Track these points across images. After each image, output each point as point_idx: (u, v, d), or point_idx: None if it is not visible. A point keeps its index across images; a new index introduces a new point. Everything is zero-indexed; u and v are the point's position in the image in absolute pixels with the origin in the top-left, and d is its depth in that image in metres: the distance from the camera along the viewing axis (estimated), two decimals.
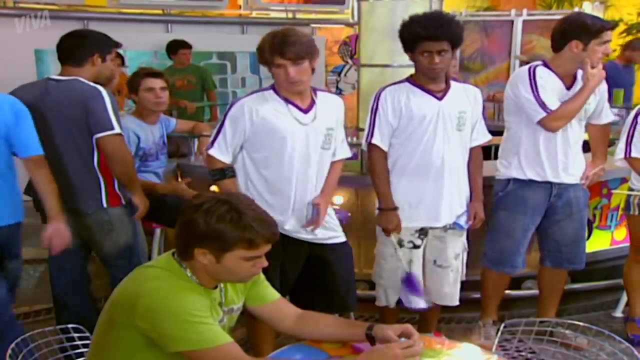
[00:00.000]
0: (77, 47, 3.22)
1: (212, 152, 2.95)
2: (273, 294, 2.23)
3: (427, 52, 3.08)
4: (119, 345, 1.89)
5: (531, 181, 3.54)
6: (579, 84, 3.44)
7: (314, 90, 3.03)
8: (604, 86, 3.52)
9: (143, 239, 3.47)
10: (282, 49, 2.77)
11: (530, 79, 3.39)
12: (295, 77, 2.81)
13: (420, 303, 3.34)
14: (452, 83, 3.28)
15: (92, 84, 3.16)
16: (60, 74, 3.24)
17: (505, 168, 3.60)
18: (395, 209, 3.27)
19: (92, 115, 3.10)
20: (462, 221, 3.35)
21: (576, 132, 3.52)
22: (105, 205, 3.24)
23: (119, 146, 3.15)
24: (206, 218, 1.87)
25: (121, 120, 3.57)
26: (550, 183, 3.53)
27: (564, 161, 3.50)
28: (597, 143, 3.73)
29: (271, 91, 2.96)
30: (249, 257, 1.92)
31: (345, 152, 3.19)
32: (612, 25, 3.41)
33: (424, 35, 3.05)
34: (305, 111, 2.96)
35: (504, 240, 3.62)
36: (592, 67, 3.31)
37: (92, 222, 3.26)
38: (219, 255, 1.90)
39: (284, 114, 2.92)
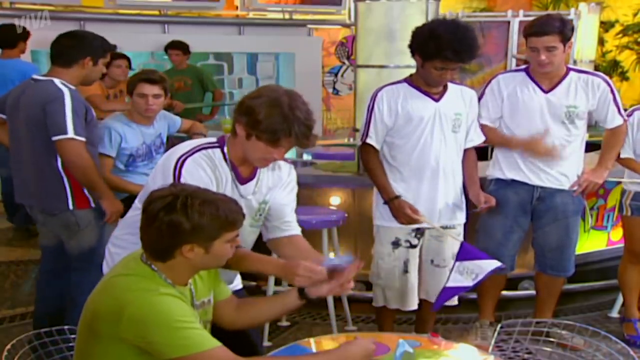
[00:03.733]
0: (69, 48, 3.20)
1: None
2: (227, 289, 2.26)
3: (442, 68, 3.07)
4: (106, 358, 1.87)
5: (513, 181, 3.53)
6: (561, 89, 3.42)
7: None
8: (604, 89, 3.45)
9: None
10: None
11: (483, 88, 3.48)
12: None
13: (492, 264, 3.04)
14: (449, 85, 3.28)
15: (60, 86, 3.11)
16: (47, 74, 3.24)
17: (490, 168, 3.63)
18: (398, 196, 3.25)
19: (48, 118, 3.07)
20: (457, 220, 3.35)
21: (561, 135, 3.45)
22: (71, 207, 3.21)
23: (73, 151, 3.09)
24: (188, 215, 1.86)
25: (105, 119, 3.56)
26: (532, 185, 3.52)
27: (546, 164, 3.47)
28: (604, 149, 3.64)
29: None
30: (232, 238, 1.97)
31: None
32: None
33: (452, 58, 3.02)
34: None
35: (486, 240, 3.60)
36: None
37: (59, 222, 3.25)
38: (208, 246, 1.92)
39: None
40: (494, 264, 3.04)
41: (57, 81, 3.14)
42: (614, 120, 3.53)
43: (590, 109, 3.49)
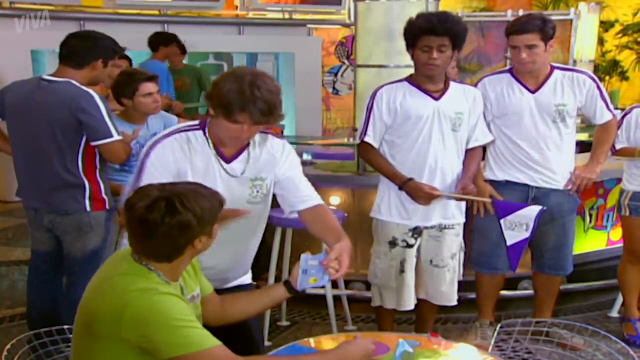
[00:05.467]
0: (82, 50, 3.20)
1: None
2: (210, 285, 2.26)
3: (427, 47, 3.09)
4: (107, 358, 1.87)
5: (508, 183, 3.53)
6: (547, 88, 3.42)
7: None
8: (591, 86, 3.45)
9: (111, 249, 3.35)
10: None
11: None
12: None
13: (535, 209, 3.24)
14: (452, 84, 3.28)
15: (85, 88, 3.14)
16: (55, 74, 3.22)
17: (484, 169, 3.62)
18: (412, 179, 3.23)
19: (88, 123, 3.10)
20: (455, 220, 3.35)
21: (553, 135, 3.45)
22: (88, 209, 3.22)
23: (120, 150, 3.19)
24: (192, 211, 1.87)
25: None
26: (527, 186, 3.51)
27: (539, 164, 3.47)
28: (595, 145, 3.64)
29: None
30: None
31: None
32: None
33: (426, 28, 3.06)
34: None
35: (481, 241, 3.61)
36: None
37: (71, 221, 3.24)
38: (211, 231, 1.97)
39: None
40: (536, 209, 3.22)
41: (75, 83, 3.15)
42: (604, 116, 3.53)
43: (578, 106, 3.49)
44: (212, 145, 2.35)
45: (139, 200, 1.89)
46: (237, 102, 2.17)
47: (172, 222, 1.86)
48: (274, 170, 2.47)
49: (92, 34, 3.37)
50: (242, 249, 2.54)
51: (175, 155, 2.31)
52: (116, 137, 3.14)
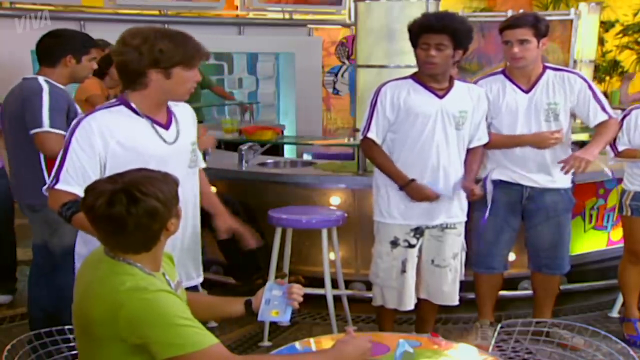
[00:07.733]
0: (50, 48, 3.25)
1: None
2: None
3: (425, 45, 3.11)
4: (112, 358, 1.86)
5: (501, 182, 3.53)
6: (540, 87, 3.43)
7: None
8: (582, 85, 3.45)
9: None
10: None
11: None
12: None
13: None
14: (456, 82, 3.29)
15: (41, 82, 3.18)
16: (36, 74, 3.31)
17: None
18: (414, 180, 3.24)
19: (27, 112, 3.14)
20: (457, 219, 3.35)
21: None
22: None
23: (51, 143, 3.08)
24: (153, 196, 1.84)
25: None
26: (521, 185, 3.51)
27: (534, 163, 3.47)
28: (594, 135, 3.64)
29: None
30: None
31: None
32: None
33: (424, 25, 3.10)
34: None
35: (477, 241, 3.62)
36: None
37: (39, 218, 3.25)
38: (177, 212, 1.95)
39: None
40: None
41: (40, 79, 3.21)
42: (597, 116, 3.48)
43: (571, 106, 3.49)
44: (143, 117, 2.35)
45: (95, 199, 1.84)
46: (193, 49, 2.36)
47: (138, 211, 1.82)
48: (192, 130, 2.55)
49: (64, 31, 3.42)
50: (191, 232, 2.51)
51: (101, 129, 2.28)
52: (46, 128, 3.09)
